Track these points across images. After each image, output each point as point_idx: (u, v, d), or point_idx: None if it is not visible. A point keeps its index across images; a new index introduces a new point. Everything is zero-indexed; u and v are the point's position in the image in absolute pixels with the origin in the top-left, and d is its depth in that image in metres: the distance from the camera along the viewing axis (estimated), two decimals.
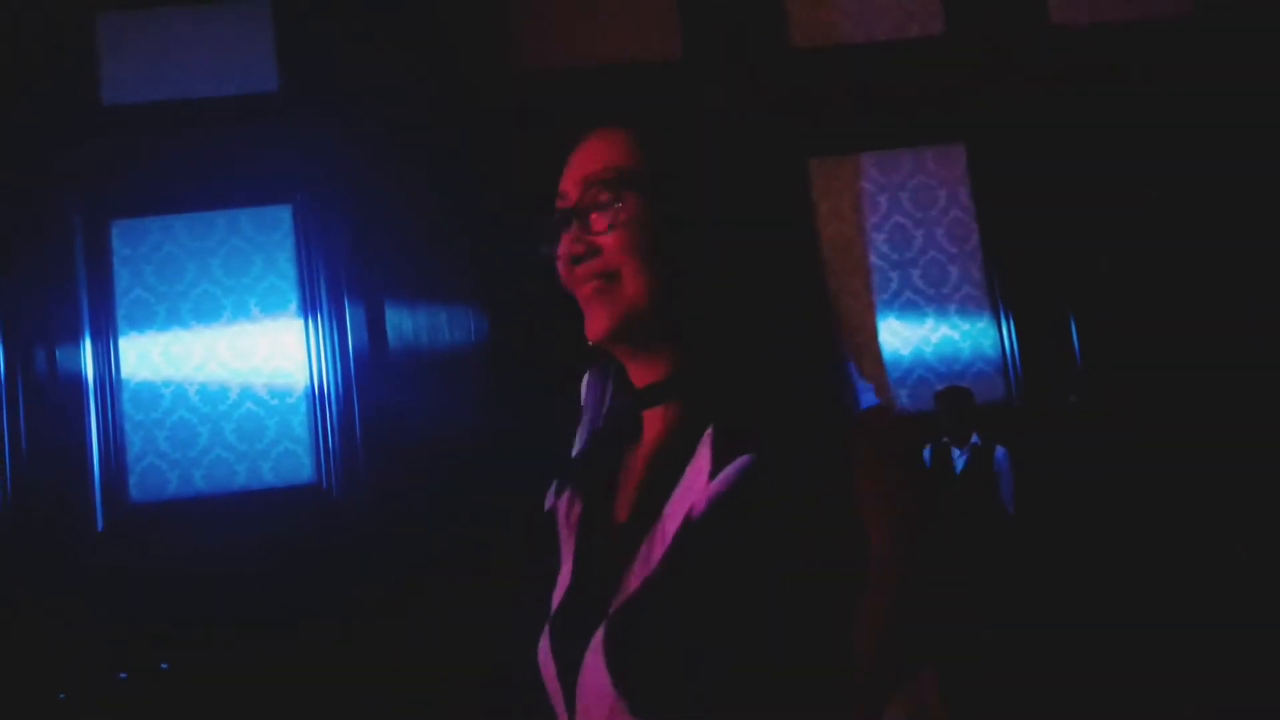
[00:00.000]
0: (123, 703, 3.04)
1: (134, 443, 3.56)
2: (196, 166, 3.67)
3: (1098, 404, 3.93)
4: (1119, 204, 4.01)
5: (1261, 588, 3.47)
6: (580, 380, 1.10)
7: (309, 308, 3.62)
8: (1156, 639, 3.21)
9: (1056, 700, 2.86)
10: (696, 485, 0.83)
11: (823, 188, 4.01)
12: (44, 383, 3.51)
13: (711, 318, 0.90)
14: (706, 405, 0.88)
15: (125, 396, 3.56)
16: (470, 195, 3.58)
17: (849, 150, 4.05)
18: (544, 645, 0.94)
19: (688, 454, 0.87)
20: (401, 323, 3.56)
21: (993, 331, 4.00)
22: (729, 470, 0.80)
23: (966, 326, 4.00)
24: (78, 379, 3.52)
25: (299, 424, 3.60)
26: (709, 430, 0.85)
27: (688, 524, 0.81)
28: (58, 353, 3.52)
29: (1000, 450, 3.68)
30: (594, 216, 0.90)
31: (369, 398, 3.54)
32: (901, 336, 3.99)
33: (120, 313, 3.60)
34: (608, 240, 0.88)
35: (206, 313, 3.63)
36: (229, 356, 3.61)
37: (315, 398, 3.58)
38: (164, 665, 3.09)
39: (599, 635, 0.83)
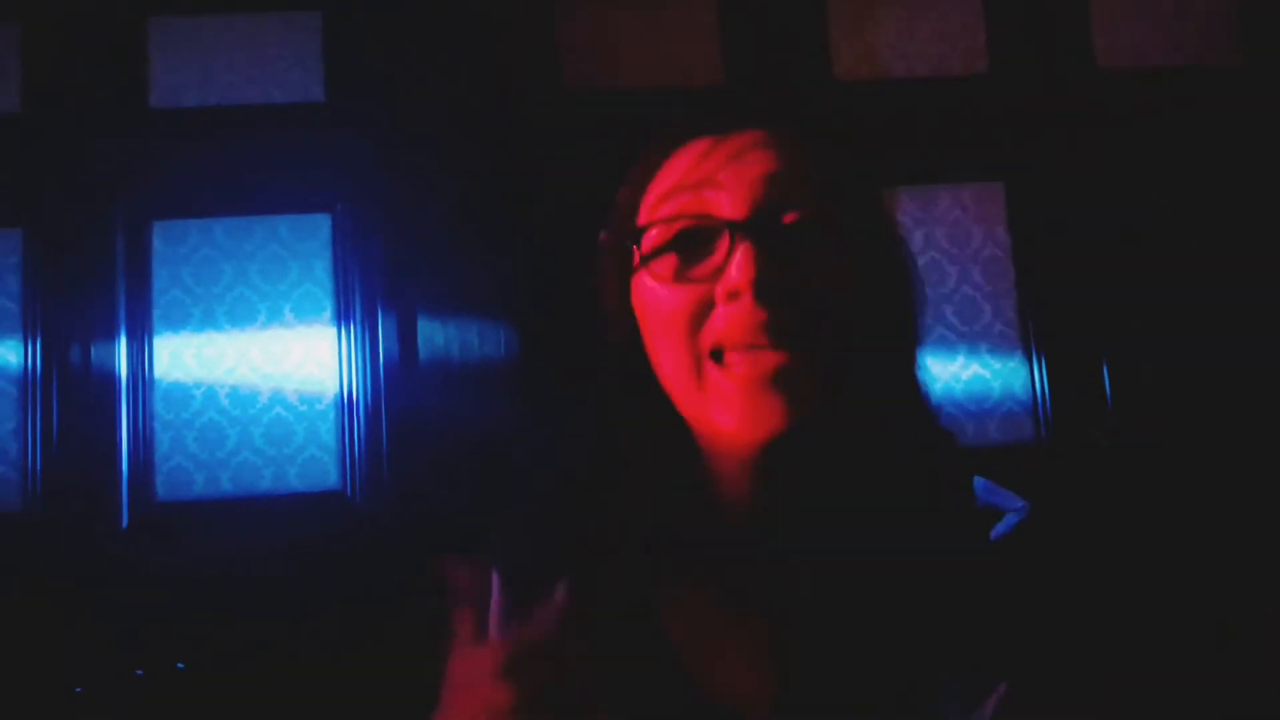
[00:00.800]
0: (138, 700, 3.06)
1: (163, 442, 3.59)
2: (239, 172, 3.71)
3: (1128, 448, 3.89)
4: (1156, 250, 3.99)
5: None
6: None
7: (343, 316, 3.65)
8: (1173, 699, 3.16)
9: None
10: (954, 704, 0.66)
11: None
12: (78, 378, 3.55)
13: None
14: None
15: (157, 396, 3.60)
16: (507, 212, 3.60)
17: (887, 184, 4.04)
18: None
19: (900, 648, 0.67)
20: (433, 335, 3.58)
21: (1024, 371, 3.97)
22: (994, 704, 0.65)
23: (998, 365, 3.98)
24: (111, 376, 3.56)
25: (327, 431, 3.62)
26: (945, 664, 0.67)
27: None
28: (93, 349, 3.56)
29: (978, 481, 3.65)
30: (797, 250, 0.64)
31: (397, 408, 3.56)
32: (933, 372, 3.96)
33: (156, 312, 3.63)
34: (829, 276, 0.64)
35: (241, 316, 3.66)
36: (261, 361, 3.64)
37: (344, 405, 3.61)
38: (180, 665, 3.10)
39: None
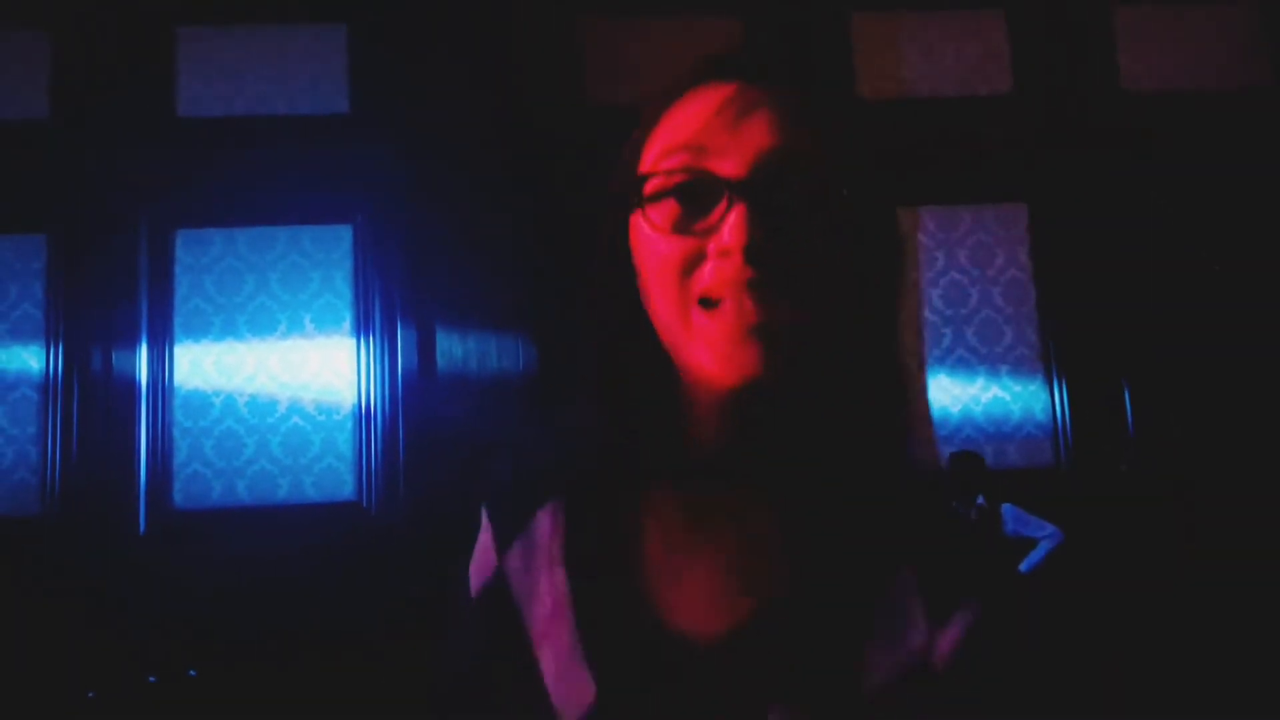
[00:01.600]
0: (149, 706, 3.07)
1: (181, 449, 3.61)
2: (263, 182, 3.73)
3: (1149, 474, 3.86)
4: (1181, 275, 3.96)
5: None
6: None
7: (362, 327, 3.66)
8: None
9: None
10: (908, 629, 0.71)
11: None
12: (99, 384, 3.57)
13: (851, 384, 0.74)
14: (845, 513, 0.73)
15: (176, 403, 3.61)
16: (528, 227, 3.61)
17: (909, 203, 4.03)
18: None
19: (858, 574, 0.72)
20: (452, 348, 3.58)
21: (1044, 395, 3.94)
22: (962, 624, 0.70)
23: (1018, 388, 3.95)
24: (131, 383, 3.58)
25: (344, 441, 3.62)
26: (909, 567, 0.72)
27: (919, 673, 0.70)
28: (114, 355, 3.58)
29: (1007, 508, 3.65)
30: (789, 213, 0.68)
31: (414, 420, 3.57)
32: (951, 394, 3.95)
33: (178, 320, 3.65)
34: (816, 244, 0.68)
35: (261, 326, 3.67)
36: (280, 370, 3.65)
37: (361, 416, 3.61)
38: (191, 672, 3.11)
39: None
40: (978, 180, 4.03)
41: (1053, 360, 3.94)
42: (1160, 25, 4.15)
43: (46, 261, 3.64)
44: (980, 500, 3.68)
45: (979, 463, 3.71)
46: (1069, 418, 3.90)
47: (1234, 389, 3.87)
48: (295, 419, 3.63)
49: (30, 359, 3.59)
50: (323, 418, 3.63)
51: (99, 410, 3.56)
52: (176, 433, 3.61)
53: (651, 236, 0.72)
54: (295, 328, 3.68)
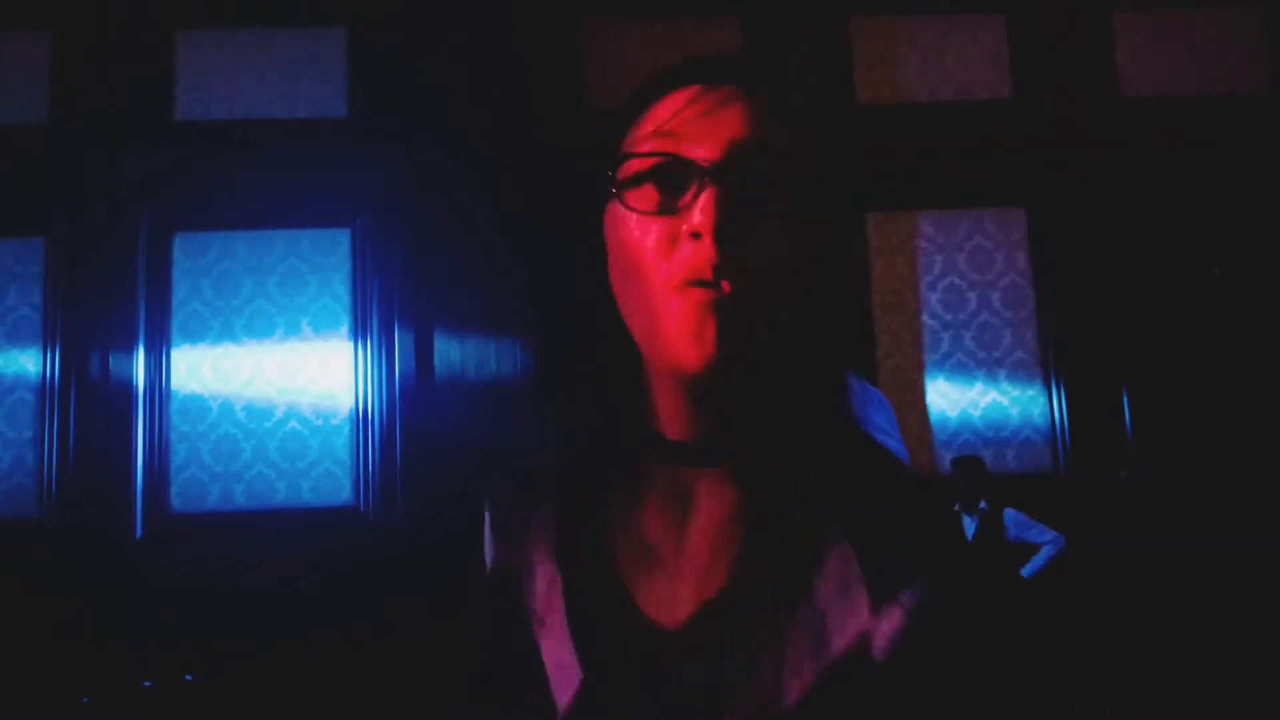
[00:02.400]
0: (145, 711, 3.06)
1: (178, 453, 3.60)
2: (261, 186, 3.72)
3: (1147, 480, 3.85)
4: (1180, 279, 3.95)
5: None
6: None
7: (360, 331, 3.65)
8: None
9: None
10: (849, 615, 0.72)
11: (879, 243, 3.99)
12: (96, 388, 3.57)
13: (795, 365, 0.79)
14: (818, 492, 0.75)
15: (173, 407, 3.61)
16: (527, 232, 3.60)
17: (908, 207, 4.03)
18: None
19: (801, 559, 0.74)
20: (450, 352, 3.57)
21: (1043, 400, 3.94)
22: (905, 605, 0.70)
23: (1016, 393, 3.95)
24: (129, 386, 3.57)
25: (341, 446, 3.62)
26: (844, 542, 0.73)
27: (858, 662, 0.70)
28: (111, 359, 3.58)
29: (1009, 513, 3.65)
30: (754, 200, 0.71)
31: (412, 425, 3.56)
32: (949, 398, 3.94)
33: (175, 324, 3.65)
34: (770, 238, 0.71)
35: (259, 330, 3.67)
36: (278, 375, 3.64)
37: (359, 421, 3.61)
38: (188, 677, 3.10)
39: None
40: (977, 184, 4.03)
41: (1051, 365, 3.94)
42: (1158, 30, 4.15)
43: (45, 265, 3.63)
44: (983, 505, 3.68)
45: (980, 467, 3.70)
46: (1068, 423, 3.90)
47: (1233, 394, 3.86)
48: (293, 423, 3.63)
49: (28, 362, 3.59)
50: (320, 422, 3.62)
51: (97, 414, 3.56)
52: (174, 437, 3.60)
53: (626, 219, 0.74)
54: (293, 331, 3.67)
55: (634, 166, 0.74)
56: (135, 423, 3.57)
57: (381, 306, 3.65)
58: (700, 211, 0.70)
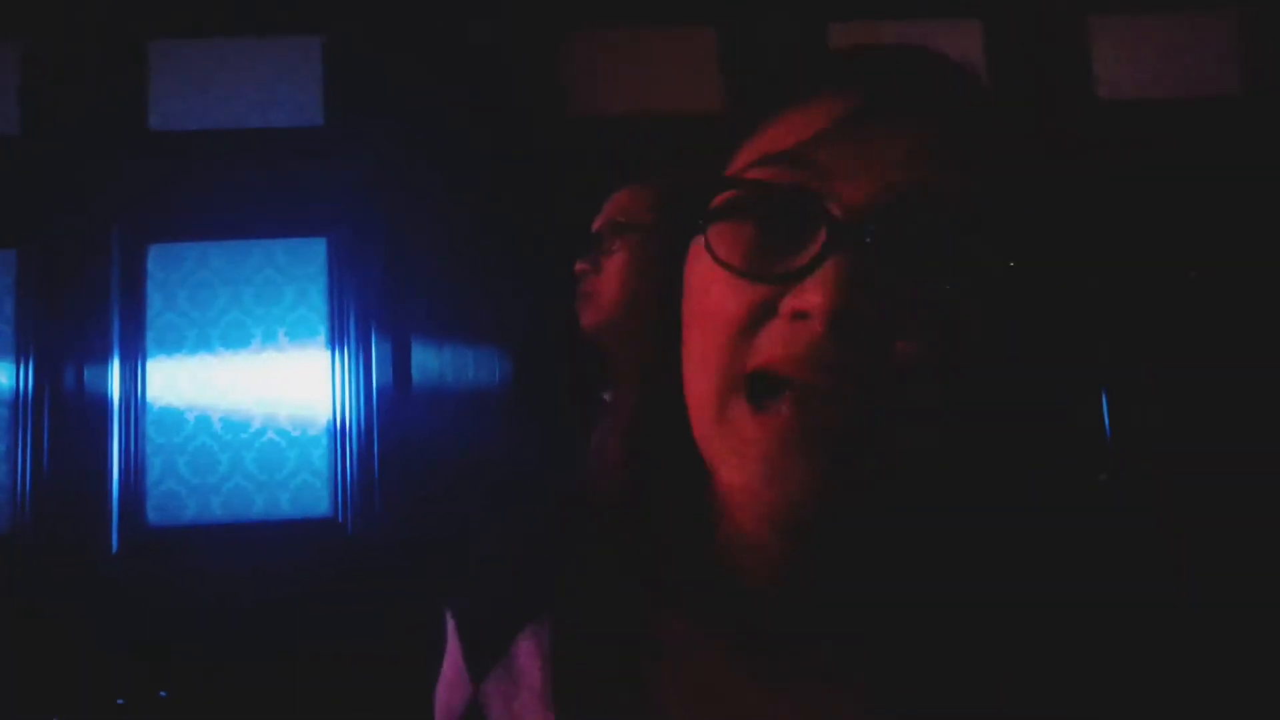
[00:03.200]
0: None
1: (154, 466, 3.56)
2: (236, 196, 3.70)
3: (1128, 483, 3.85)
4: (1156, 281, 3.96)
5: None
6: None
7: (337, 341, 3.63)
8: None
9: None
10: None
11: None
12: (70, 400, 3.53)
13: None
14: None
15: (149, 419, 3.57)
16: (504, 239, 3.59)
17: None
18: None
19: None
20: (427, 361, 3.55)
21: None
22: None
23: None
24: (104, 399, 3.54)
25: (319, 457, 3.59)
26: None
27: None
28: (86, 371, 3.54)
29: None
30: (913, 275, 0.51)
31: (390, 435, 3.54)
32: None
33: (150, 335, 3.61)
34: (935, 321, 0.52)
35: (235, 341, 3.64)
36: (254, 386, 3.61)
37: (337, 432, 3.58)
38: (162, 693, 3.07)
39: None
40: None
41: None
42: (1134, 34, 4.17)
43: (16, 277, 3.59)
44: None
45: None
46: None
47: (1212, 396, 3.87)
48: (270, 434, 3.60)
49: (0, 375, 3.55)
50: (298, 433, 3.60)
51: (71, 427, 3.52)
52: (150, 449, 3.57)
53: (708, 275, 0.53)
54: (269, 342, 3.65)
55: (736, 198, 0.53)
56: (110, 436, 3.53)
57: (358, 316, 3.62)
58: (817, 285, 0.48)
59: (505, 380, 3.54)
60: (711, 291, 0.53)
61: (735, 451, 0.50)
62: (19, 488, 3.48)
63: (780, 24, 4.05)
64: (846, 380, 0.48)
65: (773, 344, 0.50)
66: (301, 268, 3.69)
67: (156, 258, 3.66)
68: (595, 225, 1.43)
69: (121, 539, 3.48)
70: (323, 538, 3.54)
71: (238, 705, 3.17)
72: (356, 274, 3.65)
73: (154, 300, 3.64)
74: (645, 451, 0.60)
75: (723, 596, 0.57)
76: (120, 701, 2.99)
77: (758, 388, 0.50)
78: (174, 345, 3.62)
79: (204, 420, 3.59)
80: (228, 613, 3.38)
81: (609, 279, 1.42)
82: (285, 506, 3.57)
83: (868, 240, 0.49)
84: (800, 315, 0.49)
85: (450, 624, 0.68)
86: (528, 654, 0.62)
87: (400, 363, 3.56)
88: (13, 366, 3.54)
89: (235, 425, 3.59)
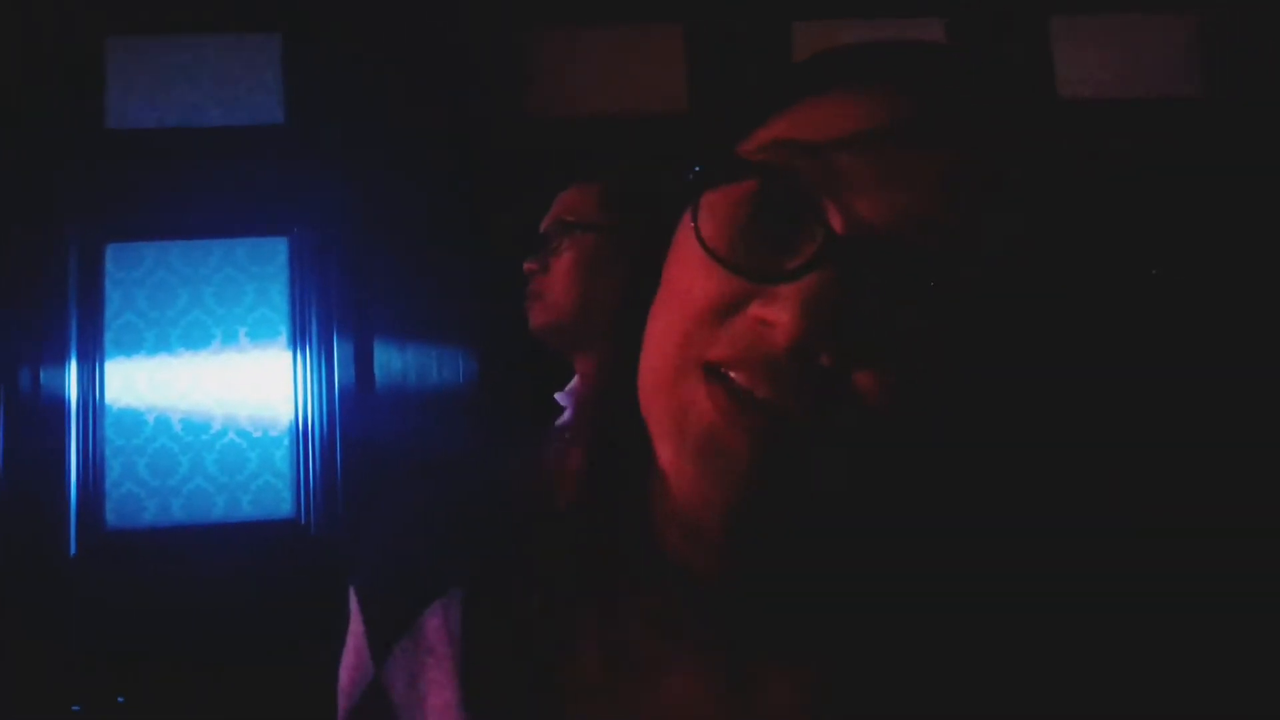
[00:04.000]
0: None
1: (113, 468, 3.52)
2: (196, 194, 3.66)
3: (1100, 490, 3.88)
4: (1118, 279, 3.99)
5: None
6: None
7: (298, 341, 3.60)
8: None
9: None
10: None
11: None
12: (27, 402, 3.48)
13: None
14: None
15: (108, 421, 3.53)
16: (467, 238, 3.57)
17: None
18: None
19: None
20: (390, 361, 3.53)
21: None
22: None
23: None
24: (61, 401, 3.49)
25: (281, 458, 3.56)
26: None
27: None
28: (43, 373, 3.49)
29: None
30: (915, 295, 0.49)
31: (353, 435, 3.51)
32: None
33: (109, 336, 3.57)
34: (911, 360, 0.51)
35: (196, 341, 3.60)
36: (215, 386, 3.57)
37: (299, 432, 3.55)
38: (120, 699, 3.03)
39: None
40: None
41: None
42: (1094, 34, 4.20)
43: None
44: None
45: None
46: None
47: (1173, 391, 3.90)
48: (231, 435, 3.56)
49: None
50: (259, 434, 3.56)
51: (27, 429, 3.47)
52: (108, 451, 3.52)
53: (690, 255, 0.51)
54: (230, 342, 3.61)
55: (738, 175, 0.51)
56: (68, 438, 3.48)
57: (320, 315, 3.59)
58: (792, 298, 0.45)
59: (469, 380, 3.52)
60: (688, 272, 0.51)
61: (677, 425, 0.49)
62: None
63: (745, 23, 4.05)
64: (792, 399, 0.46)
65: (733, 344, 0.48)
66: (262, 267, 3.65)
67: (115, 257, 3.61)
68: (543, 225, 1.42)
69: (80, 542, 3.43)
70: (285, 539, 3.50)
71: (197, 710, 3.14)
72: (318, 273, 3.62)
73: (112, 300, 3.59)
74: (601, 437, 0.59)
75: (655, 571, 0.56)
76: (76, 708, 2.95)
77: (710, 374, 0.48)
78: (133, 346, 3.58)
79: (164, 421, 3.55)
80: (188, 617, 3.34)
81: (557, 279, 1.41)
82: (247, 508, 3.53)
83: (863, 265, 0.46)
84: (765, 324, 0.47)
85: (353, 602, 0.67)
86: (435, 630, 0.61)
87: (363, 362, 3.54)
88: None
89: (196, 426, 3.55)
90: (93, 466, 3.49)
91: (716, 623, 0.56)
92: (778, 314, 0.46)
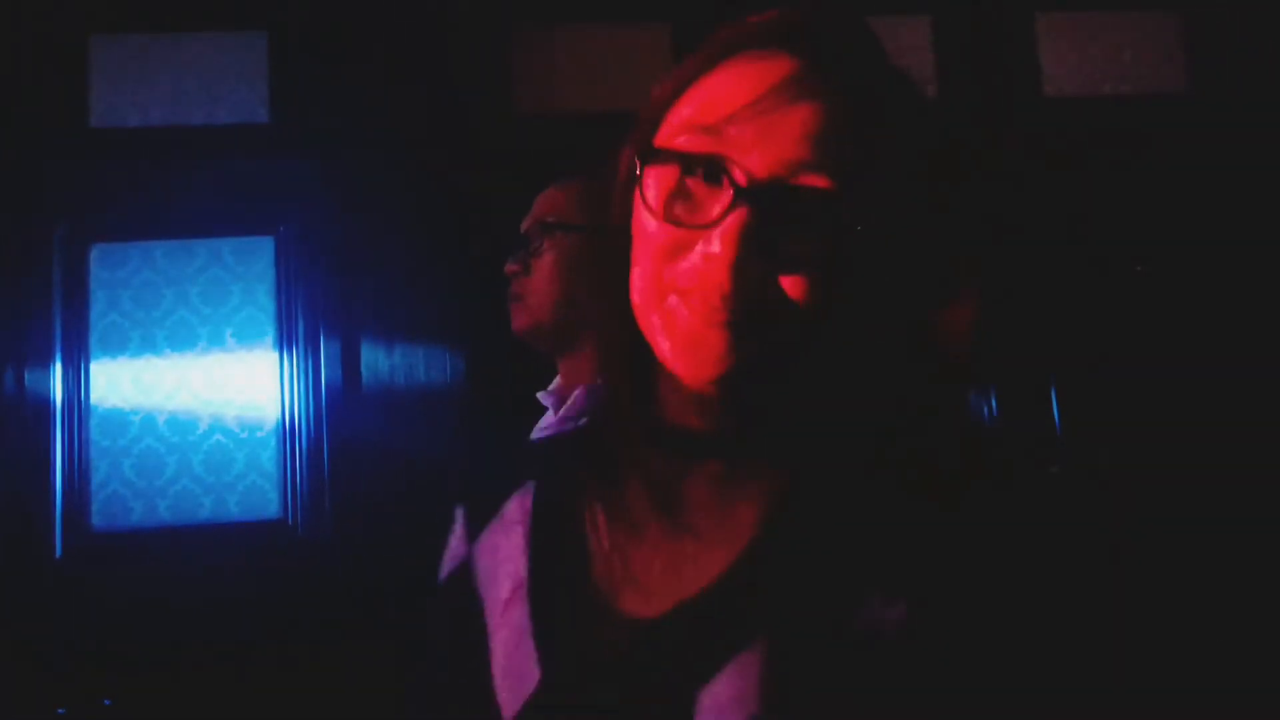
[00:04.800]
0: None
1: (99, 469, 3.50)
2: (181, 194, 3.64)
3: (1079, 475, 3.89)
4: (1106, 275, 4.01)
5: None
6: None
7: (285, 341, 3.58)
8: None
9: None
10: (854, 611, 0.66)
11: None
12: (11, 403, 3.46)
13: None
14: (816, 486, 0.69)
15: (93, 422, 3.51)
16: (454, 237, 3.56)
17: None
18: None
19: (807, 561, 0.67)
20: (377, 361, 3.52)
21: (973, 397, 3.96)
22: (906, 603, 0.65)
23: None
24: (46, 402, 3.47)
25: (268, 458, 3.54)
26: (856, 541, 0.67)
27: (863, 650, 0.64)
28: (27, 374, 3.47)
29: None
30: (814, 225, 0.66)
31: (339, 435, 3.50)
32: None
33: (94, 337, 3.55)
34: (817, 276, 0.66)
35: (181, 341, 3.58)
36: (201, 387, 3.56)
37: (285, 433, 3.54)
38: (106, 701, 3.01)
39: None
40: None
41: (980, 363, 3.96)
42: (1080, 31, 4.21)
43: None
44: None
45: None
46: (996, 420, 3.93)
47: (1158, 389, 3.92)
48: (218, 436, 3.55)
49: None
50: (246, 434, 3.55)
51: (11, 430, 3.45)
52: (94, 452, 3.51)
53: (646, 215, 0.69)
54: (216, 342, 3.60)
55: (663, 161, 0.69)
56: (53, 439, 3.46)
57: (307, 315, 3.58)
58: (722, 241, 0.63)
59: (455, 379, 3.52)
60: (648, 229, 0.69)
61: (666, 328, 0.68)
62: None
63: (734, 20, 4.04)
64: (736, 307, 0.64)
65: (689, 274, 0.66)
66: (248, 267, 3.64)
67: (100, 257, 3.60)
68: (524, 226, 1.41)
69: (65, 544, 3.42)
70: (272, 540, 3.49)
71: (184, 712, 3.13)
72: (304, 273, 3.60)
73: (97, 300, 3.57)
74: (617, 350, 0.76)
75: (661, 430, 0.74)
76: (61, 711, 2.93)
77: (683, 296, 0.67)
78: (118, 346, 3.56)
79: (150, 422, 3.53)
80: (175, 617, 3.33)
81: (538, 280, 1.40)
82: (234, 509, 3.52)
83: (761, 205, 0.63)
84: (710, 257, 0.64)
85: (459, 514, 0.86)
86: (514, 509, 0.81)
87: (349, 362, 3.53)
88: None
89: (182, 427, 3.53)
90: (78, 467, 3.47)
91: (700, 468, 0.74)
92: (714, 248, 0.64)
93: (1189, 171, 4.03)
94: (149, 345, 3.57)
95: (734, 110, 0.65)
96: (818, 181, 0.64)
